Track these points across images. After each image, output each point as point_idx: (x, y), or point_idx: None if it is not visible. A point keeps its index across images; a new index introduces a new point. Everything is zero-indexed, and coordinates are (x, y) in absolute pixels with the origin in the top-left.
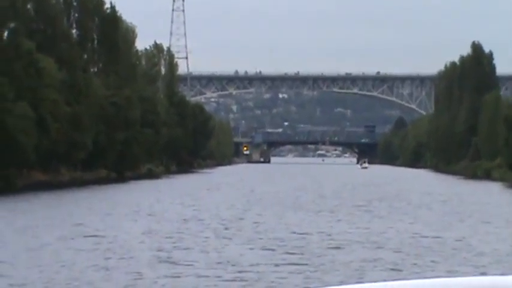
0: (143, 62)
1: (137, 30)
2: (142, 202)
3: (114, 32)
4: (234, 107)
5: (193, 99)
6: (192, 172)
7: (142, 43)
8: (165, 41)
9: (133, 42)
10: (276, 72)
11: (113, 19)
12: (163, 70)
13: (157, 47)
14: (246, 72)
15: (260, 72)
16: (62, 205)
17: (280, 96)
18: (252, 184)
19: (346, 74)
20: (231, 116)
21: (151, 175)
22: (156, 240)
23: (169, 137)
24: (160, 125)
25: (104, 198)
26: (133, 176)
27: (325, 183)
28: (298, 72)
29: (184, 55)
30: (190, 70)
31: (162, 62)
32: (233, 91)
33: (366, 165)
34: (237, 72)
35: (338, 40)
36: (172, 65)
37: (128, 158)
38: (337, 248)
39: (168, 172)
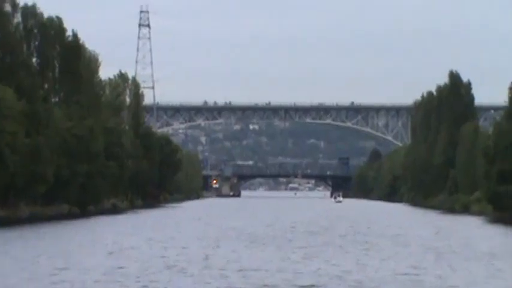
0: (107, 92)
1: (101, 59)
2: (105, 239)
3: (77, 60)
4: (203, 139)
5: (160, 131)
6: (158, 207)
7: (106, 72)
8: (130, 70)
9: (96, 70)
10: (247, 102)
11: (75, 47)
12: (128, 100)
13: (122, 76)
14: (215, 102)
15: (230, 102)
16: (19, 242)
17: (251, 127)
18: (221, 219)
19: (319, 104)
20: (200, 148)
21: (115, 210)
22: (115, 280)
23: (135, 170)
24: (125, 157)
25: (65, 235)
26: (96, 211)
27: (297, 218)
28: (270, 102)
29: (150, 84)
30: (157, 100)
31: (127, 91)
32: (202, 122)
33: (340, 199)
34: (205, 102)
35: (310, 69)
36: (137, 95)
37: (91, 192)
38: None
39: (133, 207)
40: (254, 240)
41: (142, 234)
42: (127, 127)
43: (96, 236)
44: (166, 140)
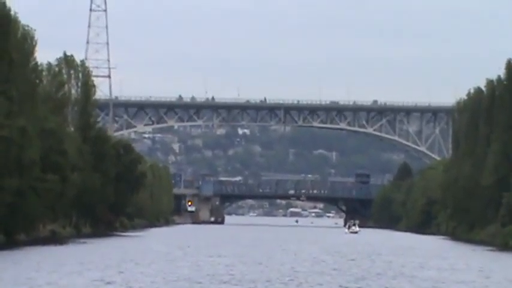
0: (45, 81)
1: (37, 36)
2: (35, 279)
3: (5, 37)
4: (176, 146)
5: (119, 135)
6: (112, 235)
7: (47, 56)
8: (79, 54)
9: (32, 52)
10: (234, 98)
11: (3, 19)
12: (74, 93)
13: (66, 59)
14: (192, 97)
15: (212, 98)
16: None
17: (240, 131)
18: (195, 256)
19: (331, 102)
20: (172, 158)
21: (54, 239)
22: None
23: (82, 186)
24: (69, 169)
25: None
26: (28, 240)
27: (296, 258)
28: (265, 99)
29: (105, 73)
30: (115, 94)
31: (73, 81)
32: (174, 124)
33: (356, 228)
34: (180, 97)
35: (320, 57)
36: (87, 86)
37: (22, 215)
38: None
39: (78, 235)
40: None
41: (85, 276)
42: (72, 129)
43: (23, 273)
44: (125, 147)
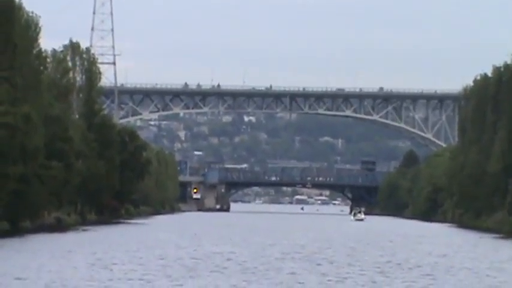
0: (50, 68)
1: (42, 23)
2: (40, 266)
3: (8, 24)
4: (182, 134)
5: (124, 122)
6: (117, 223)
7: (50, 42)
8: (84, 41)
9: (36, 38)
10: (240, 86)
11: (7, 6)
12: (79, 79)
13: (72, 46)
14: (198, 85)
15: (218, 85)
16: None
17: (246, 119)
18: (198, 244)
19: (337, 90)
20: (178, 145)
21: (59, 226)
22: None
23: (87, 174)
24: (74, 156)
25: None
26: (33, 228)
27: (297, 246)
28: (271, 86)
29: (110, 59)
30: (121, 81)
31: (78, 68)
32: (180, 111)
33: (362, 216)
34: (186, 85)
35: (326, 44)
36: (92, 73)
37: (26, 202)
38: None
39: (83, 222)
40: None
41: (87, 265)
42: (77, 116)
43: (27, 262)
44: (130, 134)
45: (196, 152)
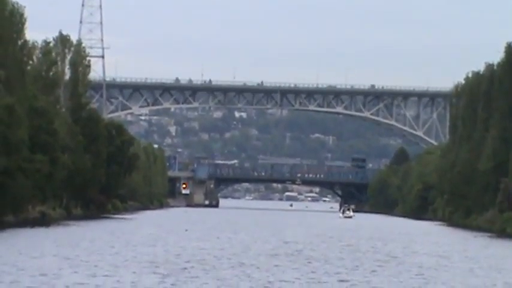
0: (36, 60)
1: (27, 14)
2: (21, 261)
3: None
4: (172, 129)
5: (114, 116)
6: (104, 218)
7: (39, 35)
8: (72, 33)
9: (21, 30)
10: (231, 81)
11: None
12: (67, 72)
13: (62, 38)
14: (189, 80)
15: (209, 81)
16: None
17: (237, 115)
18: (185, 241)
19: (328, 86)
20: (168, 140)
21: (44, 221)
22: None
23: (73, 167)
24: (59, 149)
25: None
26: (16, 222)
27: (281, 243)
28: (262, 82)
29: (99, 53)
30: (110, 76)
31: (67, 60)
32: (170, 106)
33: (350, 213)
34: (177, 80)
35: (317, 41)
36: (80, 65)
37: (10, 196)
38: None
39: (69, 217)
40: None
41: (69, 262)
42: (63, 109)
43: (10, 256)
44: (117, 128)
45: (179, 150)
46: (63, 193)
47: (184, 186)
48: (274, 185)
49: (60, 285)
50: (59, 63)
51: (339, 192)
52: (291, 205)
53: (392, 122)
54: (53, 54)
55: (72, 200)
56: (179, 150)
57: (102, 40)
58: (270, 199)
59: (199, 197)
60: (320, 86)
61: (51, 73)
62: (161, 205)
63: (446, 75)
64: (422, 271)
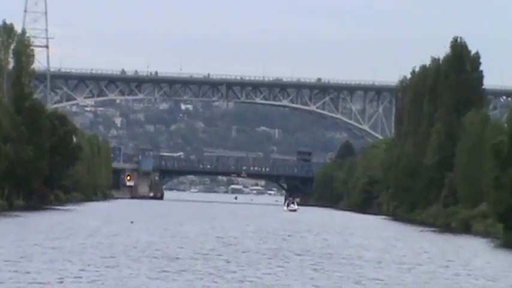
0: None
1: None
2: None
3: None
4: (118, 120)
5: (57, 107)
6: (46, 209)
7: None
8: (16, 22)
9: None
10: (177, 73)
11: None
12: (10, 62)
13: (5, 27)
14: (136, 71)
15: (155, 72)
16: None
17: (182, 107)
18: (129, 232)
19: (275, 79)
20: (114, 132)
21: None
22: None
23: (14, 158)
24: (1, 140)
25: None
26: None
27: (223, 235)
28: (208, 74)
29: (44, 42)
30: (56, 66)
31: (10, 50)
32: (115, 97)
33: (295, 206)
34: (123, 71)
35: (264, 34)
36: (23, 54)
37: None
38: None
39: (10, 208)
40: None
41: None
42: (6, 99)
43: None
44: (60, 119)
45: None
46: (4, 184)
47: (128, 178)
48: (220, 177)
49: None
50: (2, 52)
51: (284, 186)
52: (236, 198)
53: (338, 116)
54: None
55: (14, 191)
56: (124, 141)
57: (46, 30)
58: (215, 192)
59: (143, 188)
60: (266, 78)
61: None
62: (105, 197)
63: (393, 69)
64: (363, 264)
